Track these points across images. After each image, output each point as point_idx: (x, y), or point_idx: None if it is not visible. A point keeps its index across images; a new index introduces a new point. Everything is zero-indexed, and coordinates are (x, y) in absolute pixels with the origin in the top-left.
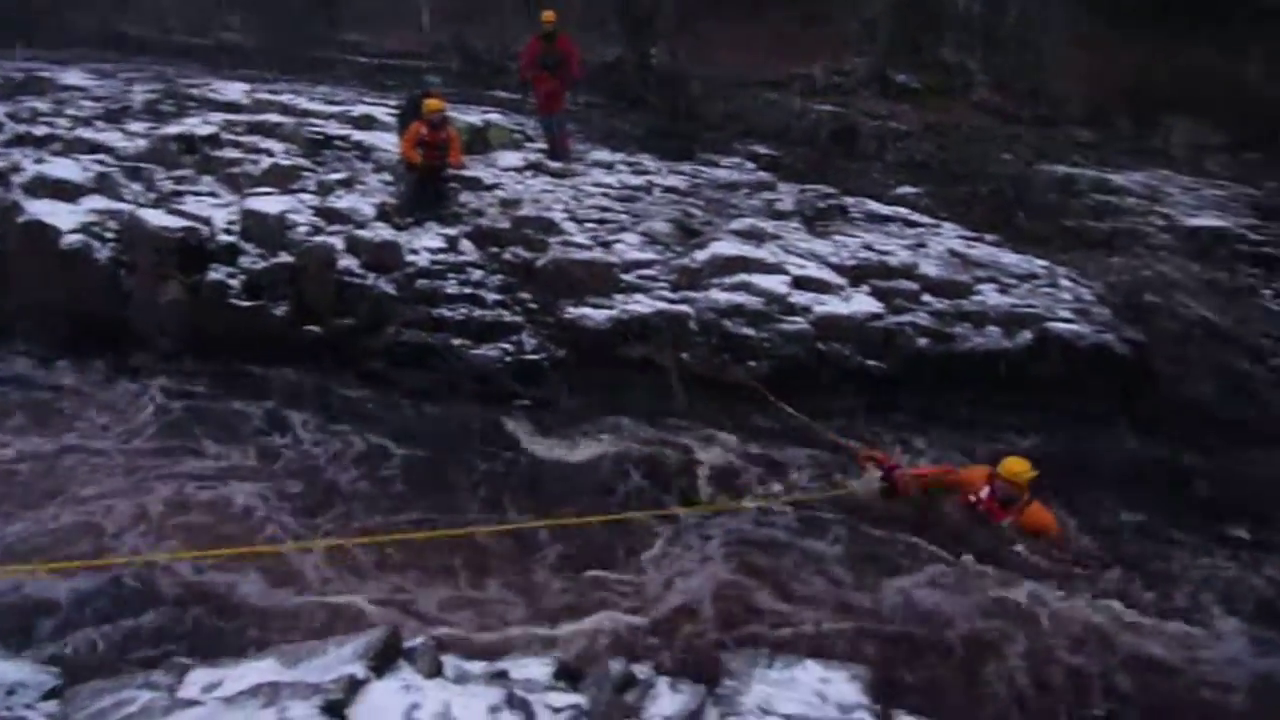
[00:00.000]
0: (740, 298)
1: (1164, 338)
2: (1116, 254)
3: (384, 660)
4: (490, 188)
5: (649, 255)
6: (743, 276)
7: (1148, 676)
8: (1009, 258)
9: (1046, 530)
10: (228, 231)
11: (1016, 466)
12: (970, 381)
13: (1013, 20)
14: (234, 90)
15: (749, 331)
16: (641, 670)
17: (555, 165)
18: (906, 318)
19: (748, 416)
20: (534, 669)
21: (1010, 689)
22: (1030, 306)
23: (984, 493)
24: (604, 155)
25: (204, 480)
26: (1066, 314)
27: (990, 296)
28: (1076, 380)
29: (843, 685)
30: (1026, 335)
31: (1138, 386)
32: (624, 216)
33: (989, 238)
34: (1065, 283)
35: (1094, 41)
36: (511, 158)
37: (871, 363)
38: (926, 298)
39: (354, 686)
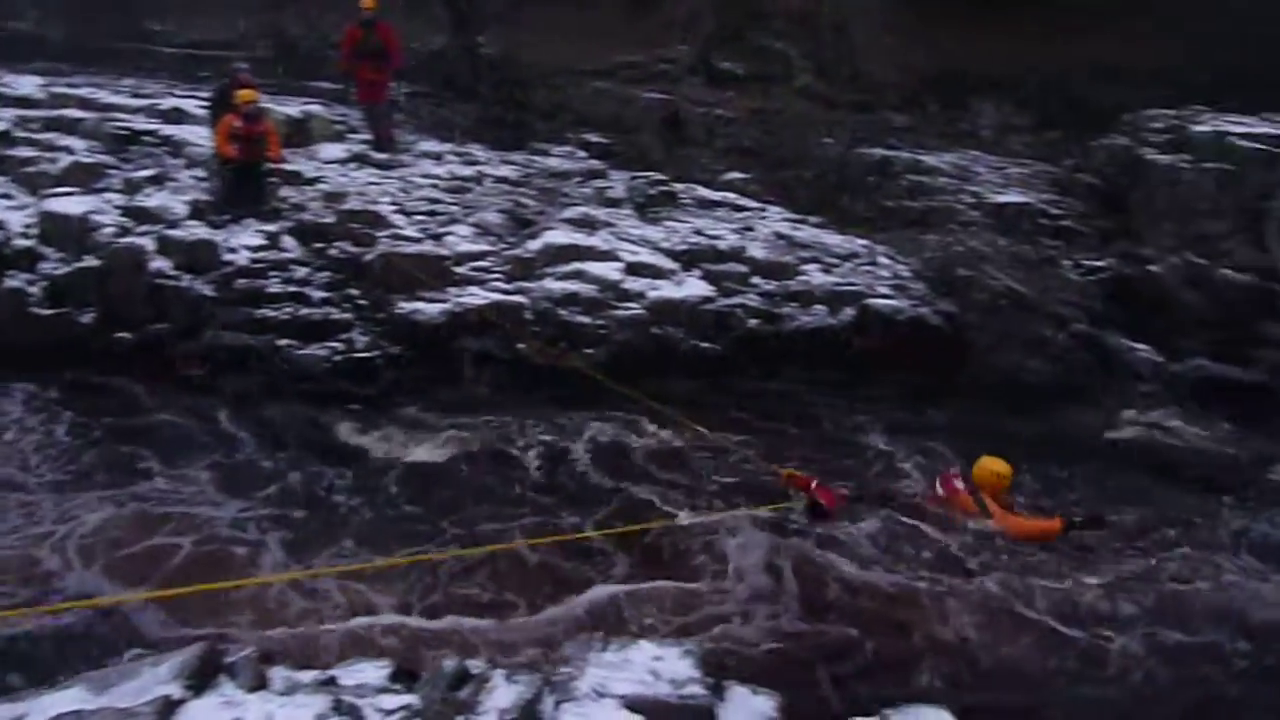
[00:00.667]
0: (575, 286)
1: (975, 308)
2: (930, 231)
3: (202, 678)
4: (312, 181)
5: (481, 246)
6: (576, 265)
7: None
8: (832, 238)
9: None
10: (25, 235)
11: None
12: (799, 358)
13: (829, 9)
14: (27, 84)
15: (585, 319)
16: (476, 665)
17: (381, 157)
18: (737, 300)
19: (592, 404)
20: (368, 673)
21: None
22: (852, 284)
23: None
24: (432, 146)
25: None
26: (885, 290)
27: (815, 276)
28: (897, 352)
29: (676, 662)
30: (849, 312)
31: (953, 355)
32: (455, 208)
33: (813, 220)
34: (884, 260)
35: (905, 29)
36: (334, 150)
37: (705, 345)
38: (755, 280)
39: (169, 708)
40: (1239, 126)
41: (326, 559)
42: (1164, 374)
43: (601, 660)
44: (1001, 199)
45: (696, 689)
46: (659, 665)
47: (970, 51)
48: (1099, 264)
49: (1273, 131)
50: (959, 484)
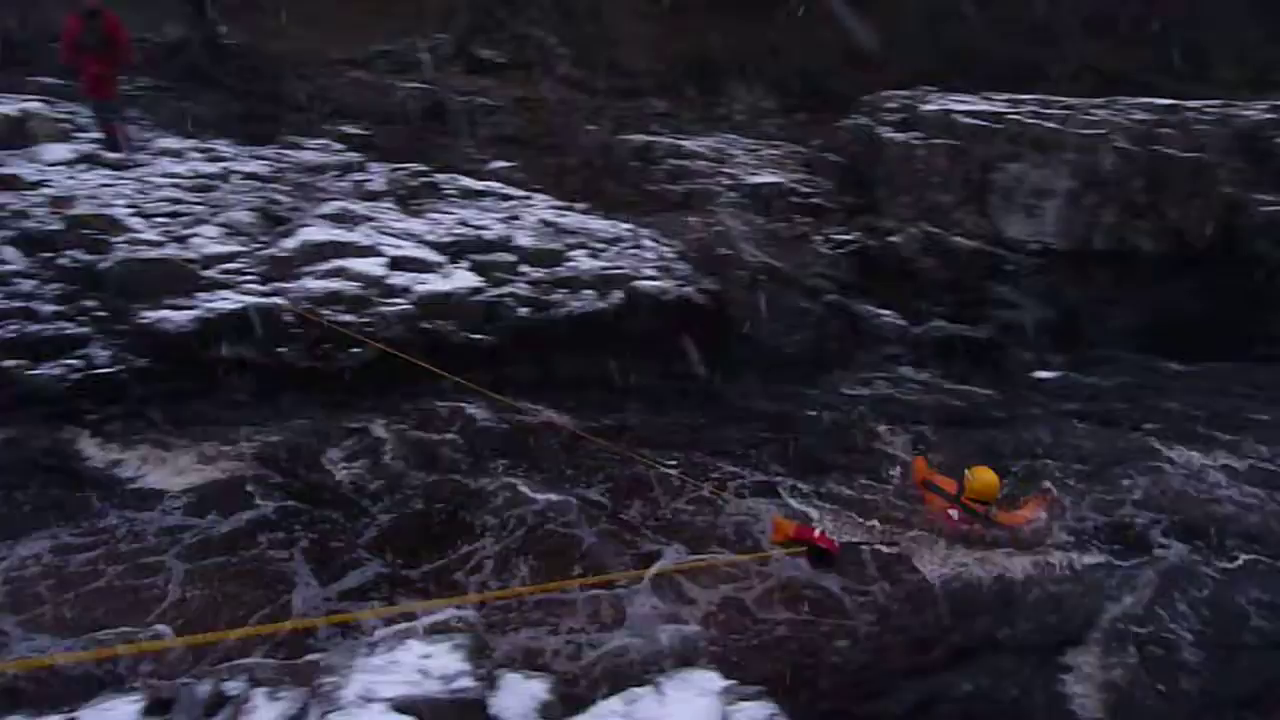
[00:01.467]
0: (336, 284)
1: (736, 285)
2: (692, 213)
3: None
4: (35, 185)
5: (232, 247)
6: (337, 262)
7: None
8: (597, 223)
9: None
10: None
11: (985, 480)
12: (572, 344)
13: None
14: None
15: (350, 318)
16: (234, 685)
17: (113, 156)
18: (507, 289)
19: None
20: (120, 708)
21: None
22: (619, 268)
23: (955, 514)
24: (172, 142)
25: None
26: (651, 272)
27: (583, 262)
28: (665, 332)
29: (445, 657)
30: (618, 295)
31: (718, 331)
32: (200, 208)
33: (579, 206)
34: (649, 243)
35: (659, 17)
36: (59, 150)
37: (477, 337)
38: (524, 268)
39: None
40: (963, 105)
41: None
42: (908, 336)
43: (368, 664)
44: (757, 180)
45: (467, 682)
46: (428, 663)
47: (722, 38)
48: (847, 237)
49: (990, 109)
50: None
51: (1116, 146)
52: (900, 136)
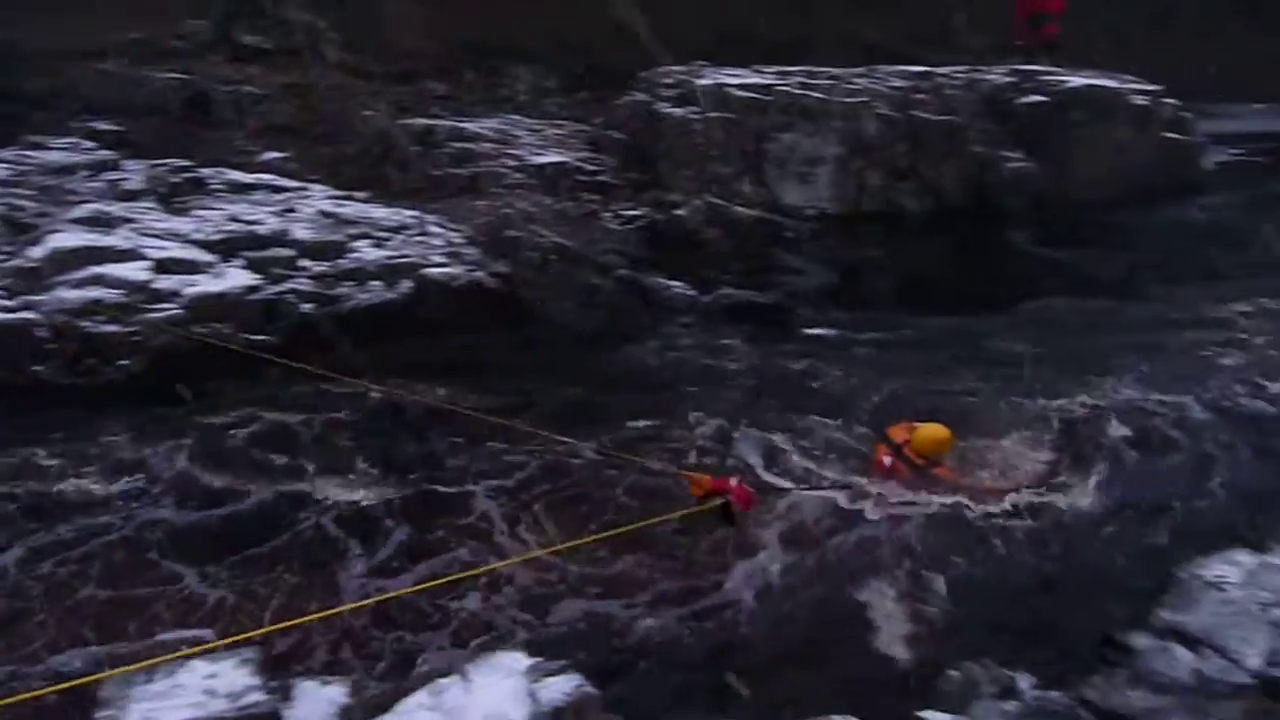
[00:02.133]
0: (96, 292)
1: (527, 267)
2: (479, 197)
3: None
4: None
5: None
6: (94, 269)
7: None
8: (380, 212)
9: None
10: None
11: (932, 436)
12: (363, 338)
13: None
14: None
15: (113, 328)
16: None
17: None
18: (286, 286)
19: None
20: None
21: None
22: (406, 256)
23: (888, 460)
24: None
25: None
26: (440, 259)
27: (367, 252)
28: (458, 318)
29: (232, 675)
30: (407, 284)
31: (511, 314)
32: None
33: (359, 195)
34: (435, 229)
35: None
36: None
37: (256, 337)
38: (304, 262)
39: None
40: (735, 79)
41: None
42: (698, 305)
43: (147, 693)
44: (542, 160)
45: (258, 696)
46: (214, 682)
47: (499, 18)
48: (634, 213)
49: (761, 81)
50: (887, 459)
51: (878, 113)
52: (678, 111)
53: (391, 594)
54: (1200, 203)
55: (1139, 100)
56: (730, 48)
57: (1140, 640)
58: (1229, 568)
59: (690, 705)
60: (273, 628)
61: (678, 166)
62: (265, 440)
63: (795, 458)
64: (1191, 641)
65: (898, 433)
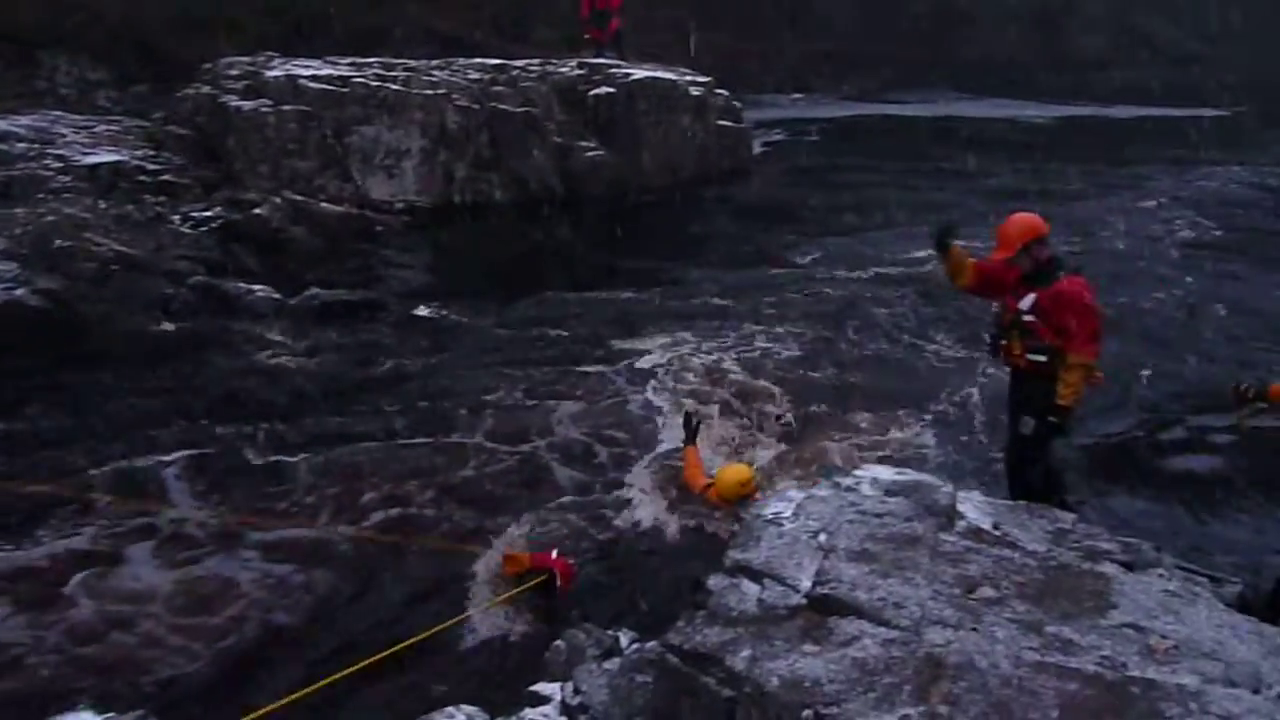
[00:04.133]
0: None
1: (82, 280)
2: (17, 204)
3: None
4: None
5: None
6: None
7: None
8: None
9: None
10: None
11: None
12: None
13: None
14: None
15: None
16: None
17: None
18: None
19: None
20: None
21: None
22: None
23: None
24: None
25: None
26: None
27: None
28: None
29: None
30: None
31: (62, 334)
32: None
33: None
34: None
35: None
36: None
37: None
38: None
39: None
40: (308, 70)
41: None
42: (285, 309)
43: None
44: (93, 160)
45: None
46: None
47: (32, 4)
48: (207, 214)
49: (336, 73)
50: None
51: (458, 105)
52: (248, 104)
53: None
54: (752, 182)
55: (695, 91)
56: (300, 38)
57: (715, 580)
58: (783, 504)
59: None
60: None
61: (253, 163)
62: None
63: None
64: (755, 574)
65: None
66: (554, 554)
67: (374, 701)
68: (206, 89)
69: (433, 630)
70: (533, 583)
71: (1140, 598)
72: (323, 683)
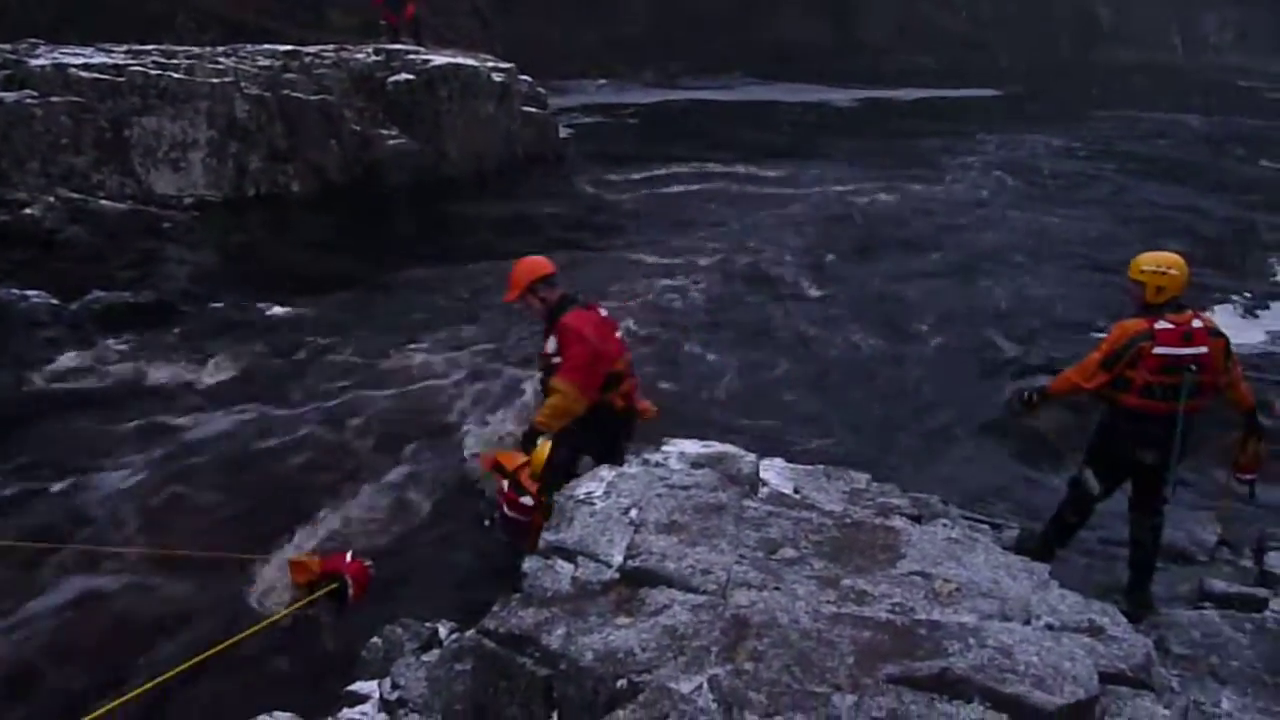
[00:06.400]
0: None
1: None
2: None
3: None
4: None
5: None
6: None
7: None
8: None
9: None
10: None
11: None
12: None
13: None
14: None
15: None
16: None
17: None
18: None
19: None
20: None
21: None
22: None
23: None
24: None
25: None
26: None
27: None
28: None
29: None
30: None
31: None
32: None
33: None
34: None
35: None
36: None
37: None
38: None
39: None
40: (78, 58)
41: None
42: (64, 315)
43: None
44: None
45: None
46: None
47: None
48: None
49: (110, 61)
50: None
51: (248, 93)
52: (10, 96)
53: None
54: (559, 168)
55: (498, 77)
56: (69, 25)
57: (530, 563)
58: (594, 484)
59: None
60: None
61: (20, 159)
62: None
63: None
64: (569, 554)
65: (509, 459)
66: (347, 557)
67: (185, 711)
68: None
69: (224, 644)
70: (323, 590)
71: (927, 546)
72: (120, 699)
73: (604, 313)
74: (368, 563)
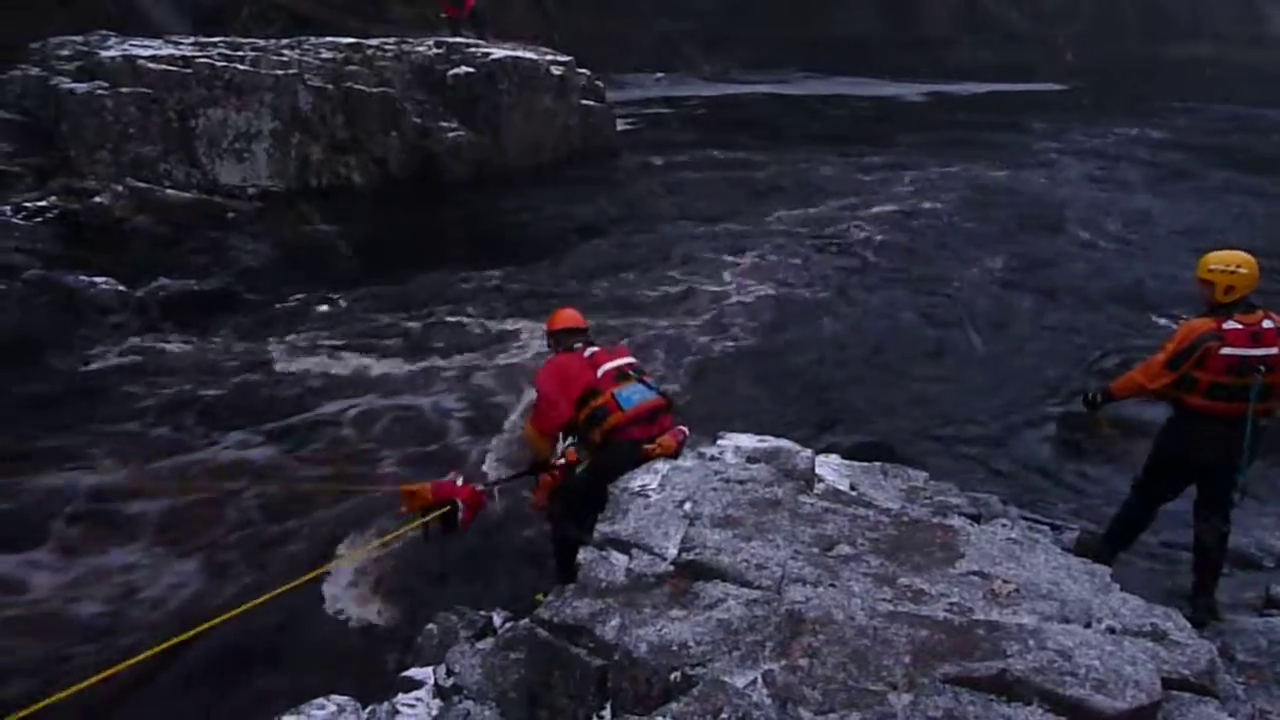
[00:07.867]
0: None
1: None
2: None
3: None
4: None
5: None
6: None
7: None
8: None
9: None
10: None
11: None
12: None
13: None
14: None
15: None
16: None
17: None
18: None
19: None
20: None
21: None
22: None
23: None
24: None
25: None
26: None
27: None
28: None
29: None
30: None
31: None
32: None
33: None
34: None
35: None
36: None
37: None
38: None
39: None
40: (146, 50)
41: None
42: (130, 301)
43: None
44: None
45: None
46: None
47: None
48: (42, 204)
49: (177, 53)
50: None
51: (311, 85)
52: (82, 87)
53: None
54: (618, 161)
55: (557, 70)
56: (137, 17)
57: (585, 554)
58: (650, 476)
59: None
60: None
61: (90, 149)
62: None
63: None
64: (624, 545)
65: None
66: (458, 481)
67: (243, 696)
68: (35, 70)
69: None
70: (435, 514)
71: (985, 546)
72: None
73: (594, 350)
74: (479, 487)
